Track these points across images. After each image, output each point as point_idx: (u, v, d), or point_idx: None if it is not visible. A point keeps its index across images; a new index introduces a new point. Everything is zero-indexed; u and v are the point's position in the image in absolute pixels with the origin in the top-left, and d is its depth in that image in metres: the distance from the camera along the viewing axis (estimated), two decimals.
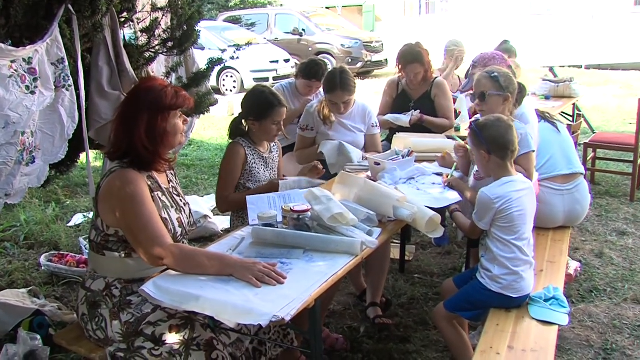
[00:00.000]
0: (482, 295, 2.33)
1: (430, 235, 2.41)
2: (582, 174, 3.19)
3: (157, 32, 3.13)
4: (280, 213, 2.30)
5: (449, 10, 20.06)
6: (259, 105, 2.81)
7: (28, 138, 2.38)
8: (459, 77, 4.79)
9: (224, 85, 12.18)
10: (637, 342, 2.83)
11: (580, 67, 13.30)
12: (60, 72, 2.46)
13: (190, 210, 2.23)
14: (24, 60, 2.28)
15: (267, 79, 11.61)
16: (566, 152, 3.19)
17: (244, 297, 1.73)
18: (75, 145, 2.69)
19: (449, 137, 3.54)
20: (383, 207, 2.35)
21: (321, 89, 3.78)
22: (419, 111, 3.88)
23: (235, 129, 2.91)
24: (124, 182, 1.95)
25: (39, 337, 2.65)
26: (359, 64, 13.91)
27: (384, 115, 3.99)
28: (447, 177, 2.76)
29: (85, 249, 3.72)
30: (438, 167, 3.08)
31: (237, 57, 3.67)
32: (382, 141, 3.75)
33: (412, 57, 3.92)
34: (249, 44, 4.01)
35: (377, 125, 3.53)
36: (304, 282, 1.83)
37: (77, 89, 2.58)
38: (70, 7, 2.45)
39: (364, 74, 14.16)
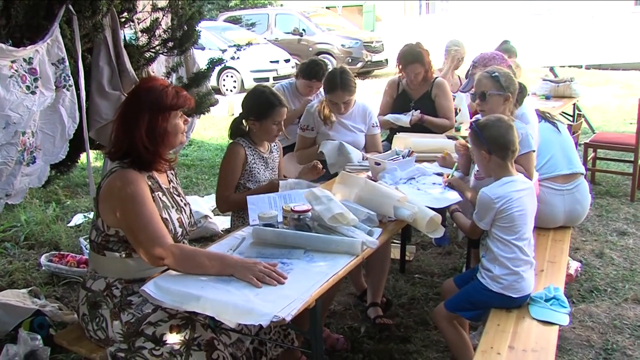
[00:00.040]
0: (483, 295, 2.33)
1: (430, 235, 2.41)
2: (582, 174, 3.18)
3: (157, 32, 3.13)
4: (280, 213, 2.30)
5: (449, 10, 20.06)
6: (260, 105, 2.81)
7: (29, 138, 2.38)
8: (459, 77, 4.79)
9: (224, 85, 12.18)
10: (637, 342, 2.83)
11: (581, 67, 13.31)
12: (61, 72, 2.45)
13: (190, 210, 2.23)
14: (24, 60, 2.28)
15: (267, 79, 11.61)
16: (566, 152, 3.19)
17: (244, 297, 1.73)
18: (76, 145, 2.69)
19: (449, 137, 3.54)
20: (383, 207, 2.35)
21: (321, 89, 3.78)
22: (419, 111, 3.89)
23: (236, 129, 2.91)
24: (124, 182, 1.95)
25: (39, 337, 2.65)
26: (359, 64, 13.91)
27: (385, 115, 4.00)
28: (448, 177, 2.76)
29: (86, 249, 3.72)
30: (438, 167, 3.08)
31: (238, 57, 3.67)
32: (383, 141, 3.75)
33: (412, 57, 3.92)
34: (249, 44, 4.01)
35: (377, 125, 3.52)
36: (305, 282, 1.83)
37: (77, 89, 2.58)
38: (70, 7, 2.45)
39: (364, 74, 14.16)
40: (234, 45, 3.74)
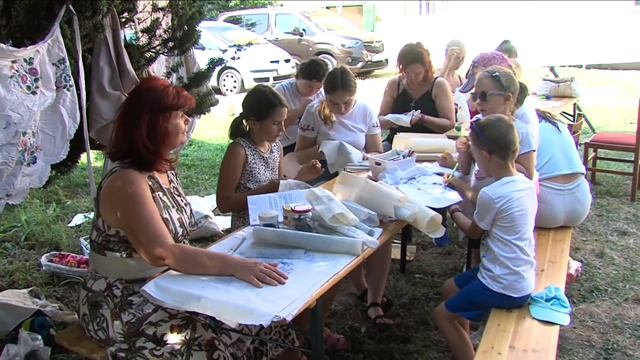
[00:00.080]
0: (483, 295, 2.33)
1: (431, 235, 2.41)
2: (582, 173, 3.18)
3: (157, 32, 3.12)
4: (281, 213, 2.30)
5: (449, 10, 20.06)
6: (260, 105, 2.81)
7: (29, 138, 2.38)
8: (459, 76, 4.79)
9: (224, 85, 12.18)
10: (638, 342, 2.83)
11: (581, 66, 13.30)
12: (62, 72, 2.45)
13: (191, 210, 2.24)
14: (25, 60, 2.28)
15: (267, 79, 11.61)
16: (567, 152, 3.19)
17: (245, 297, 1.73)
18: (76, 146, 2.69)
19: (450, 137, 3.54)
20: (384, 207, 2.35)
21: (322, 89, 3.78)
22: (419, 111, 3.89)
23: (236, 129, 2.91)
24: (125, 182, 1.95)
25: (40, 337, 2.65)
26: (360, 64, 13.91)
27: (385, 115, 3.99)
28: (448, 177, 2.76)
29: (86, 249, 3.72)
30: (439, 167, 3.08)
31: (238, 58, 3.67)
32: (383, 141, 3.75)
33: (412, 57, 3.92)
34: (249, 44, 4.01)
35: (377, 125, 3.52)
36: (305, 282, 1.83)
37: (78, 89, 2.58)
38: (71, 7, 2.45)
39: (364, 73, 14.16)
40: (234, 45, 3.73)
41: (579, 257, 3.71)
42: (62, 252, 3.74)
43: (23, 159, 2.38)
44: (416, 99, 4.04)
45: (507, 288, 2.28)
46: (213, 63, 3.36)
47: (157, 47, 3.17)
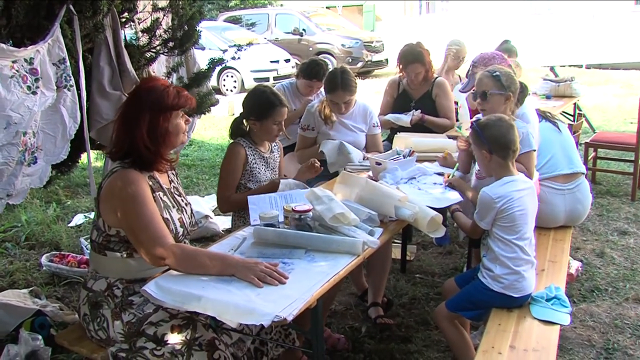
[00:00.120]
0: (484, 294, 2.33)
1: (431, 235, 2.41)
2: (583, 173, 3.18)
3: (158, 32, 3.12)
4: (281, 213, 2.30)
5: (449, 10, 20.05)
6: (260, 105, 2.81)
7: (30, 138, 2.38)
8: (459, 76, 4.79)
9: (224, 85, 12.18)
10: (638, 341, 2.83)
11: (581, 66, 13.30)
12: (62, 72, 2.45)
13: (191, 210, 2.24)
14: (25, 60, 2.28)
15: (267, 79, 11.61)
16: (567, 152, 3.19)
17: (245, 297, 1.73)
18: (77, 146, 2.69)
19: (450, 137, 3.53)
20: (384, 207, 2.35)
21: (322, 89, 3.78)
22: (419, 111, 3.89)
23: (236, 129, 2.91)
24: (125, 182, 1.95)
25: (40, 337, 2.65)
26: (360, 64, 13.91)
27: (385, 115, 3.99)
28: (449, 177, 2.76)
29: (86, 249, 3.72)
30: (439, 167, 3.08)
31: (238, 57, 3.67)
32: (383, 141, 3.75)
33: (413, 57, 3.92)
34: (249, 44, 4.01)
35: (378, 125, 3.53)
36: (306, 282, 1.83)
37: (78, 89, 2.58)
38: (71, 7, 2.45)
39: (364, 73, 14.16)
40: (235, 45, 3.74)
41: (579, 256, 3.71)
42: (63, 252, 3.74)
43: (23, 159, 2.38)
44: (416, 98, 4.04)
45: (508, 288, 2.28)
46: (213, 63, 3.37)
47: (158, 47, 3.17)
